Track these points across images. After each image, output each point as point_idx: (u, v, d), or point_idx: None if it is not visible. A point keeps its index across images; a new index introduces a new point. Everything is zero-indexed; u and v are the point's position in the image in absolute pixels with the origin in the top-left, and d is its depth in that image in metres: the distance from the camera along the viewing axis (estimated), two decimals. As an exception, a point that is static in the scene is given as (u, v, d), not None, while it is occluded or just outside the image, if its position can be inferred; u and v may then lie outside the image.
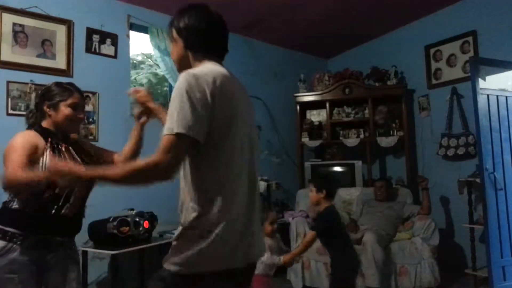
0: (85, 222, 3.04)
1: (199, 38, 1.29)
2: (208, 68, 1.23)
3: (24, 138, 1.59)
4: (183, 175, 1.22)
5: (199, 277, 1.16)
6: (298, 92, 4.76)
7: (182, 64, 1.33)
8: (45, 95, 1.69)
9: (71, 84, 1.76)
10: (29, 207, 1.57)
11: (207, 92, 1.14)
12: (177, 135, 1.09)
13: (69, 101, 1.68)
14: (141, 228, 3.02)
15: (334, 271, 2.62)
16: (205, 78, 1.16)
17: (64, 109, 1.67)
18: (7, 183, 1.44)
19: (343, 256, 2.57)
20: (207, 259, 1.15)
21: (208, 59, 1.30)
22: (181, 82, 1.14)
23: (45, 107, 1.67)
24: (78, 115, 1.72)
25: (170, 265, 1.22)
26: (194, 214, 1.17)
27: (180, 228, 1.23)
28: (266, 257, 2.66)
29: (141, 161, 1.18)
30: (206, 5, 1.33)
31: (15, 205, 1.58)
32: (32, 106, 1.70)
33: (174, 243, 1.25)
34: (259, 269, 2.66)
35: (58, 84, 1.72)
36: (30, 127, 1.70)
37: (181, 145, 1.11)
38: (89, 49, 3.47)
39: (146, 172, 1.13)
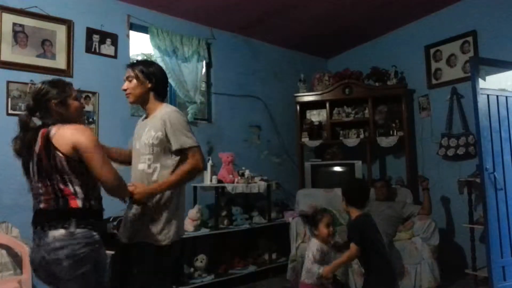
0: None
1: (163, 86, 2.03)
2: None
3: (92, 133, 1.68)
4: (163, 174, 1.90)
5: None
6: (298, 92, 4.76)
7: (140, 100, 1.99)
8: (48, 94, 1.65)
9: (60, 79, 1.75)
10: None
11: None
12: (198, 146, 1.93)
13: (73, 93, 1.71)
14: (141, 228, 3.01)
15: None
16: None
17: (73, 103, 1.69)
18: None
19: (381, 277, 2.33)
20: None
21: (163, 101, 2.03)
22: (178, 114, 1.95)
23: (53, 106, 1.62)
24: (83, 105, 2.00)
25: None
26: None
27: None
28: (308, 263, 2.47)
29: (187, 165, 1.88)
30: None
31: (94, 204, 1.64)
32: (26, 108, 1.65)
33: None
34: (304, 276, 2.49)
35: (52, 82, 1.68)
36: (53, 122, 1.60)
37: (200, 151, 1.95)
38: (89, 49, 3.47)
39: (193, 173, 1.91)
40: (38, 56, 3.21)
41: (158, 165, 1.89)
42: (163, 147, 1.88)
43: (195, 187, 3.85)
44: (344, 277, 3.24)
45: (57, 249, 1.46)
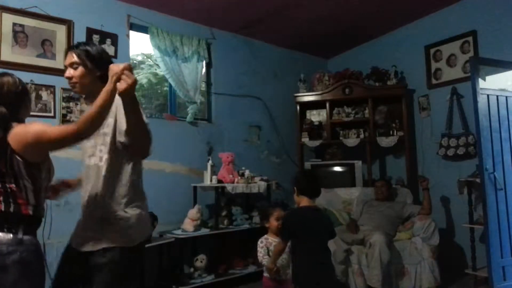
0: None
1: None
2: None
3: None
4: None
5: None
6: (298, 92, 4.76)
7: (88, 90, 1.66)
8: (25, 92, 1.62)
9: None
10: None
11: None
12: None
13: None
14: (141, 228, 3.01)
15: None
16: None
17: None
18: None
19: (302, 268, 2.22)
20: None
21: None
22: None
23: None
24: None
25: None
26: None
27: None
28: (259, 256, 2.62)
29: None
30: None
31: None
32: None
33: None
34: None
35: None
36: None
37: None
38: (89, 49, 3.47)
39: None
40: (38, 56, 3.21)
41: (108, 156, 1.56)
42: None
43: (195, 187, 3.85)
44: (344, 277, 3.24)
45: (4, 254, 1.40)
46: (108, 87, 1.36)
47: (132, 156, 1.59)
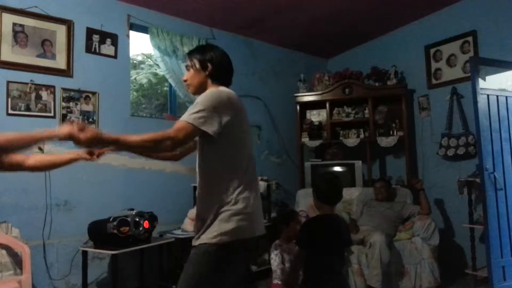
0: (85, 222, 3.07)
1: (223, 72, 1.74)
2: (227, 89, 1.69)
3: None
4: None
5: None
6: (298, 92, 4.76)
7: (200, 90, 1.71)
8: None
9: None
10: None
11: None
12: (193, 125, 1.51)
13: None
14: (141, 228, 3.02)
15: None
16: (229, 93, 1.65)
17: None
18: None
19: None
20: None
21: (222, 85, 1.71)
22: (213, 90, 1.62)
23: None
24: None
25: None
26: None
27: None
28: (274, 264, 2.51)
29: (160, 133, 1.48)
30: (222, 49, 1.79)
31: None
32: None
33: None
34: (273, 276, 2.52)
35: None
36: None
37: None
38: (89, 49, 3.47)
39: (160, 141, 1.47)
40: (38, 56, 3.20)
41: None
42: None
43: (195, 187, 3.82)
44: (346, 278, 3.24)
45: None
46: (42, 135, 1.44)
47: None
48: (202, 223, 1.59)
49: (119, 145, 1.47)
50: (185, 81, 1.77)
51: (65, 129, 1.35)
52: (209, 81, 1.71)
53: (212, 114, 1.52)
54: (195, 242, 1.58)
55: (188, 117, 1.50)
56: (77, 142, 1.33)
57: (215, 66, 1.70)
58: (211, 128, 1.51)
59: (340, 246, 2.19)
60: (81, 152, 1.78)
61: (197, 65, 1.72)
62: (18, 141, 1.42)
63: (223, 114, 1.54)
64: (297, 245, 2.22)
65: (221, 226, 1.53)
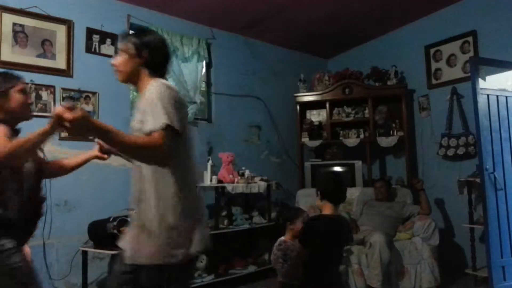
0: (85, 222, 3.07)
1: (161, 60, 1.53)
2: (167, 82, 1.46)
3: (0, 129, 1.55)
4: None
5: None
6: (298, 92, 4.76)
7: (131, 78, 1.52)
8: None
9: (8, 72, 1.73)
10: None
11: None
12: (171, 126, 1.31)
13: (19, 86, 1.66)
14: (141, 228, 3.01)
15: None
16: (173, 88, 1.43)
17: (16, 96, 1.65)
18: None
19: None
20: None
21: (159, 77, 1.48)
22: (164, 86, 1.38)
23: None
24: (29, 100, 1.75)
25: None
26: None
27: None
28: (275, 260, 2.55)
29: (147, 139, 1.29)
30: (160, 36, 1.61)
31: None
32: None
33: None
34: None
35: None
36: None
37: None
38: (89, 49, 3.47)
39: (147, 149, 1.27)
40: (38, 56, 3.21)
41: None
42: None
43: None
44: (344, 277, 3.24)
45: None
46: (44, 128, 1.40)
47: None
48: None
49: (107, 137, 1.24)
50: (114, 66, 1.53)
51: (54, 111, 1.23)
52: (144, 71, 1.50)
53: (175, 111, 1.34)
54: None
55: (165, 119, 1.30)
56: (65, 122, 1.17)
57: (152, 53, 1.49)
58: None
59: (339, 246, 2.21)
60: (95, 151, 1.80)
61: (132, 50, 1.49)
62: (27, 142, 1.43)
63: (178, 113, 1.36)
64: (299, 242, 2.24)
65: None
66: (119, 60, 1.51)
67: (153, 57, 1.50)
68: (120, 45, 1.54)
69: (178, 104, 1.37)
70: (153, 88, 1.37)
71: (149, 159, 1.32)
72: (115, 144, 1.25)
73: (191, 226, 1.38)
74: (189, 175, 1.45)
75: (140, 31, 1.63)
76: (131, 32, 1.60)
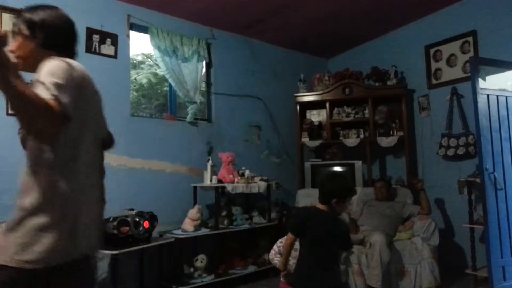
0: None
1: (61, 38, 1.30)
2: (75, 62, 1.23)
3: None
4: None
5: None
6: (298, 92, 4.77)
7: (32, 62, 1.29)
8: None
9: None
10: None
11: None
12: (57, 98, 1.08)
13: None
14: (141, 228, 3.03)
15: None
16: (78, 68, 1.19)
17: None
18: None
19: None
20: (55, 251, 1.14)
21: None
22: (55, 61, 1.15)
23: None
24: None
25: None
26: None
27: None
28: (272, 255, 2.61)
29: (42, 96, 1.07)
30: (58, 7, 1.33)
31: None
32: None
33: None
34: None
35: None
36: None
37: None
38: (89, 49, 3.47)
39: (40, 105, 1.03)
40: (38, 56, 3.20)
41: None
42: None
43: (195, 187, 3.85)
44: (344, 277, 3.24)
45: None
46: None
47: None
48: None
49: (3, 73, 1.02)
50: (12, 52, 1.32)
51: None
52: (45, 54, 1.24)
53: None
54: None
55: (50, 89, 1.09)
56: None
57: (48, 33, 1.27)
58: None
59: (325, 241, 2.13)
60: None
61: (25, 31, 1.28)
62: None
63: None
64: (289, 230, 2.27)
65: None
66: (14, 44, 1.29)
67: (49, 37, 1.27)
68: (13, 26, 1.31)
69: (77, 86, 1.15)
70: (44, 66, 1.15)
71: (36, 117, 1.04)
72: (3, 83, 1.01)
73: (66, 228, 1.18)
74: (76, 168, 1.22)
75: (34, 6, 1.32)
76: (24, 7, 1.32)
